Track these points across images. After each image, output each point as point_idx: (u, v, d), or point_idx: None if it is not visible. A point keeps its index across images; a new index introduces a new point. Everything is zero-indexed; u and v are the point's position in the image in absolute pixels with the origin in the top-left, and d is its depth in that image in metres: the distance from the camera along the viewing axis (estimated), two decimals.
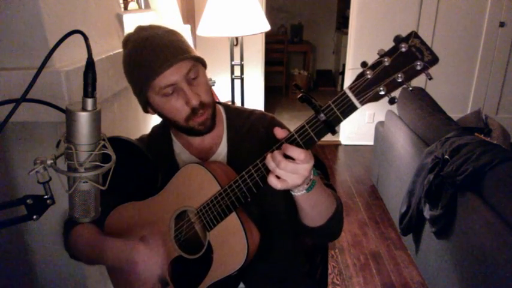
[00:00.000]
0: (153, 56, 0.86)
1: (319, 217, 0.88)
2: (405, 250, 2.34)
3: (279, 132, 0.75)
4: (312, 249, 1.23)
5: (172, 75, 0.86)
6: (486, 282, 1.42)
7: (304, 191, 0.77)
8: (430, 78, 0.63)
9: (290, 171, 0.71)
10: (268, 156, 0.73)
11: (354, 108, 0.67)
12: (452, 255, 1.67)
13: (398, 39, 0.63)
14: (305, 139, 0.71)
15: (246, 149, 0.99)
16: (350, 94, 0.66)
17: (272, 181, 0.73)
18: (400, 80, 0.63)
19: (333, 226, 0.91)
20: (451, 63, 3.67)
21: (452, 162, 1.64)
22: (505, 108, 3.87)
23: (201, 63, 0.94)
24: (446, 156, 1.69)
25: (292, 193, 0.79)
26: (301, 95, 0.70)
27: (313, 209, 0.85)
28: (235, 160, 0.99)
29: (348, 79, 3.86)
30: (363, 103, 0.66)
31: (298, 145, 0.72)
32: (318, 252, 1.24)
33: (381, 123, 2.92)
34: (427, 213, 1.77)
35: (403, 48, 0.62)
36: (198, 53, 0.95)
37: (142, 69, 0.87)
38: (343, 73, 5.06)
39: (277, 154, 0.71)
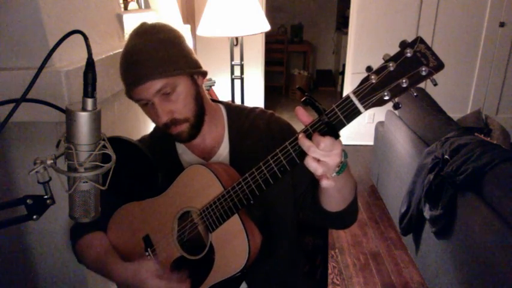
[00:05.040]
0: (129, 70, 0.89)
1: (343, 201, 0.88)
2: (405, 250, 2.34)
3: (302, 113, 0.71)
4: (312, 250, 1.23)
5: (143, 91, 0.88)
6: (486, 282, 1.42)
7: (335, 173, 0.74)
8: (435, 84, 0.63)
9: (321, 156, 0.68)
10: (301, 135, 0.70)
11: (357, 113, 0.66)
12: (452, 255, 1.67)
13: (403, 45, 0.62)
14: None
15: (247, 147, 1.00)
16: (354, 99, 0.66)
17: (312, 164, 0.69)
18: (404, 85, 0.63)
19: (353, 210, 0.92)
20: (451, 63, 3.67)
21: (452, 162, 1.63)
22: (505, 108, 3.87)
23: (188, 74, 0.93)
24: (446, 156, 1.69)
25: None
26: (304, 98, 0.70)
27: (337, 193, 0.85)
28: (238, 159, 0.99)
29: (348, 80, 3.86)
30: (367, 108, 0.65)
31: (301, 148, 0.70)
32: (318, 253, 1.24)
33: (381, 123, 2.92)
34: (427, 213, 1.77)
35: (408, 53, 0.62)
36: (197, 55, 0.96)
37: (123, 77, 0.93)
38: (343, 73, 5.06)
39: (304, 140, 0.69)
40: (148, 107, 0.92)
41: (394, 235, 2.50)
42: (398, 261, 2.26)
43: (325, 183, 0.71)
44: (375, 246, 2.41)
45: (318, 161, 0.69)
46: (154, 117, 0.93)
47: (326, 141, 0.67)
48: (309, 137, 0.69)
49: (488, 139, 1.85)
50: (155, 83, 0.87)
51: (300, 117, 0.72)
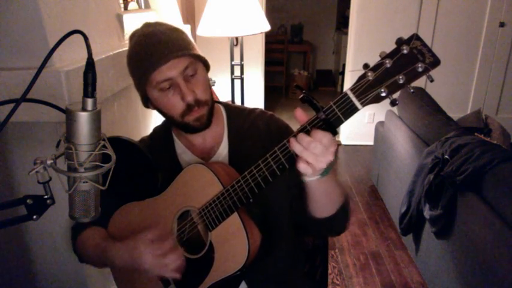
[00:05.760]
0: (152, 51, 0.88)
1: (330, 206, 0.87)
2: (405, 250, 2.34)
3: (300, 114, 0.72)
4: (312, 250, 1.23)
5: (169, 70, 0.88)
6: (486, 282, 1.42)
7: (319, 175, 0.75)
8: (432, 81, 0.64)
9: (319, 153, 0.69)
10: (292, 139, 0.71)
11: (355, 110, 0.67)
12: (452, 255, 1.67)
13: (399, 41, 0.63)
14: None
15: (247, 147, 1.00)
16: (351, 95, 0.66)
17: (302, 166, 0.71)
18: (401, 81, 0.63)
19: (341, 218, 0.91)
20: (451, 63, 3.67)
21: (452, 162, 1.64)
22: (505, 108, 3.87)
23: (202, 62, 0.95)
24: (446, 156, 1.69)
25: (307, 179, 0.78)
26: (302, 95, 0.70)
27: (324, 197, 0.85)
28: (237, 159, 0.99)
29: (348, 80, 3.86)
30: (364, 104, 0.66)
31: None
32: (318, 253, 1.24)
33: (381, 123, 2.92)
34: (427, 213, 1.77)
35: (405, 50, 0.62)
36: (200, 53, 0.96)
37: (141, 63, 0.90)
38: (343, 73, 5.06)
39: (304, 136, 0.70)
40: (168, 92, 0.90)
41: (394, 235, 2.50)
42: (398, 261, 2.26)
43: (303, 167, 0.71)
44: (375, 246, 2.41)
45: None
46: (175, 100, 0.91)
47: (327, 136, 0.68)
48: (306, 132, 0.71)
49: (488, 139, 1.85)
50: (181, 60, 0.89)
51: (298, 118, 0.72)
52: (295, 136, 0.72)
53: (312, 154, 0.69)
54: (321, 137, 0.68)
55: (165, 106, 0.93)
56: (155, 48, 0.88)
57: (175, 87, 0.90)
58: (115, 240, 0.98)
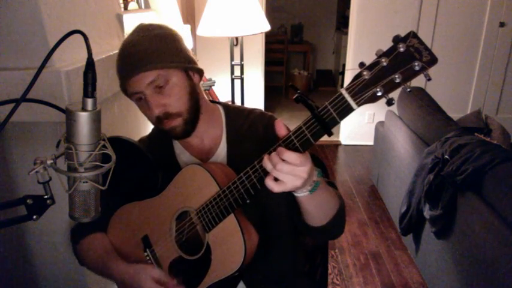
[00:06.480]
0: (125, 62, 0.90)
1: (323, 217, 0.88)
2: (405, 250, 2.34)
3: (280, 128, 0.73)
4: (312, 249, 1.23)
5: (137, 83, 0.89)
6: (486, 282, 1.42)
7: (307, 192, 0.76)
8: (429, 79, 0.62)
9: (287, 172, 0.69)
10: (265, 157, 0.72)
11: (350, 110, 0.65)
12: (452, 255, 1.67)
13: (396, 39, 0.62)
14: (302, 140, 0.70)
15: (245, 148, 0.99)
16: (346, 95, 0.65)
17: (269, 184, 0.71)
18: (397, 80, 0.62)
19: (336, 225, 0.91)
20: (451, 63, 3.67)
21: (452, 162, 1.63)
22: (505, 108, 3.87)
23: (183, 69, 0.93)
24: (446, 156, 1.69)
25: (295, 194, 0.78)
26: (296, 95, 0.69)
27: (317, 210, 0.85)
28: (235, 160, 0.99)
29: (348, 79, 3.85)
30: (359, 104, 0.64)
31: (294, 147, 0.71)
32: (318, 252, 1.24)
33: (381, 123, 2.92)
34: (427, 213, 1.77)
35: (401, 48, 0.61)
36: (196, 55, 0.96)
37: (118, 72, 0.93)
38: (343, 73, 5.06)
39: (274, 156, 0.70)
40: (142, 102, 0.92)
41: (394, 235, 2.50)
42: (398, 261, 2.26)
43: (269, 184, 0.72)
44: (375, 246, 2.41)
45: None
46: (147, 112, 0.93)
47: (294, 156, 0.68)
48: (301, 133, 0.70)
49: (488, 139, 1.85)
50: (147, 74, 0.88)
51: (278, 131, 0.73)
52: (270, 153, 0.72)
53: (280, 173, 0.70)
54: (293, 159, 0.68)
55: (143, 114, 0.96)
56: (127, 60, 0.89)
57: (145, 99, 0.91)
58: (118, 257, 0.99)
